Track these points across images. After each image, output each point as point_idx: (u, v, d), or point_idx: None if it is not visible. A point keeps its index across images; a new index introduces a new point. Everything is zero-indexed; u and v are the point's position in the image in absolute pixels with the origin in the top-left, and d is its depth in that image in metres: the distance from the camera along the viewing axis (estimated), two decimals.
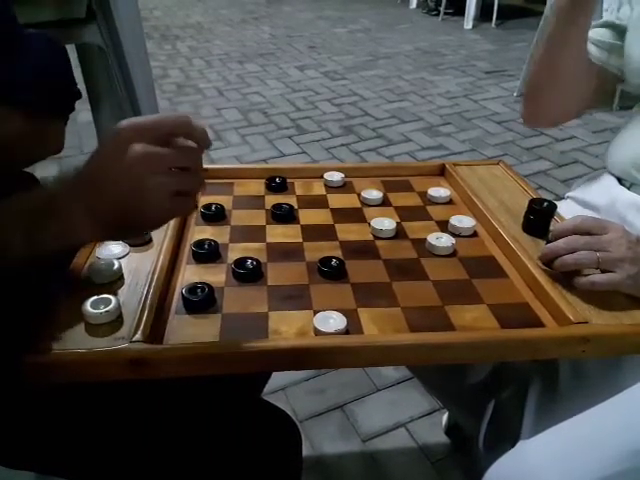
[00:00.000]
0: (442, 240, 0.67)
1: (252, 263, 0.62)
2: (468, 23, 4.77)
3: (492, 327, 0.55)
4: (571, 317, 0.54)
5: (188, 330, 0.54)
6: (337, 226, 0.73)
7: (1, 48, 0.57)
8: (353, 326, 0.54)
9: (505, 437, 0.63)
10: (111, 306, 0.53)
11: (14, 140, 0.59)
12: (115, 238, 0.57)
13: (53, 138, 0.65)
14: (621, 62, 0.77)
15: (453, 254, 0.67)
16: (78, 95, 0.67)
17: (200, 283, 0.58)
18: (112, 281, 0.58)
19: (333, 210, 0.77)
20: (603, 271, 0.56)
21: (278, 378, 1.29)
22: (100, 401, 0.56)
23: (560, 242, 0.58)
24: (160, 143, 0.44)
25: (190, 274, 0.62)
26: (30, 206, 0.45)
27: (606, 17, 0.80)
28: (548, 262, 0.60)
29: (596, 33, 0.80)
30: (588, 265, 0.56)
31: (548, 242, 0.61)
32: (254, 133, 2.70)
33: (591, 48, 0.80)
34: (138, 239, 0.65)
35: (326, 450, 1.15)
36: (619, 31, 0.78)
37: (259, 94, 3.22)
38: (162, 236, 0.66)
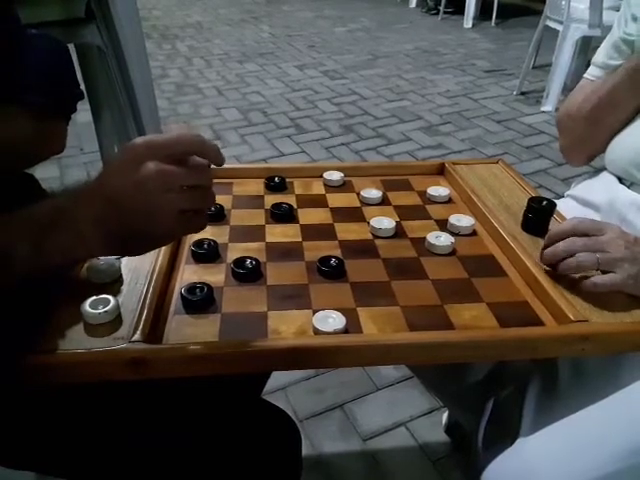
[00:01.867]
0: (441, 239, 0.67)
1: (251, 263, 0.62)
2: (468, 22, 4.77)
3: (491, 326, 0.55)
4: (571, 316, 0.54)
5: (187, 330, 0.54)
6: (336, 225, 0.73)
7: (5, 49, 0.57)
8: (352, 325, 0.54)
9: (504, 435, 0.63)
10: (110, 306, 0.53)
11: (18, 140, 0.59)
12: (121, 253, 0.54)
13: (55, 138, 0.65)
14: None
15: (452, 253, 0.67)
16: (80, 96, 0.67)
17: (199, 283, 0.58)
18: (111, 281, 0.58)
19: (332, 209, 0.77)
20: (603, 272, 0.56)
21: (278, 378, 1.30)
22: (99, 401, 0.56)
23: (559, 245, 0.58)
24: (173, 161, 0.44)
25: (189, 274, 0.62)
26: (38, 218, 0.45)
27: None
28: (549, 265, 0.60)
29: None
30: (589, 267, 0.56)
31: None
32: (254, 133, 2.70)
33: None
34: None
35: (326, 449, 1.15)
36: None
37: (259, 93, 3.22)
38: None
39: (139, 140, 0.44)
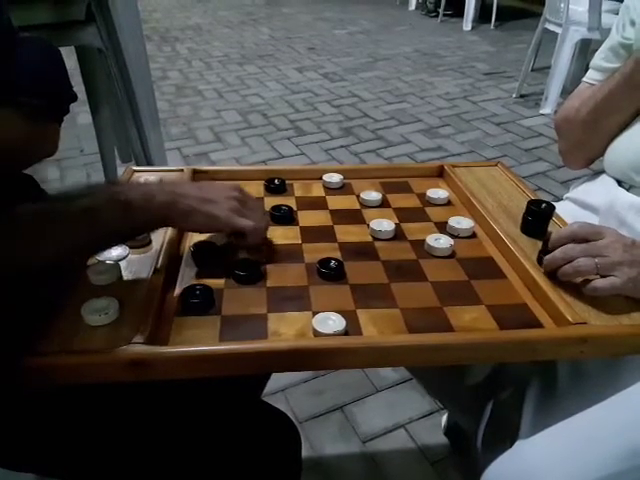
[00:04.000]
0: (441, 241, 0.68)
1: (252, 264, 0.62)
2: (467, 24, 4.78)
3: (491, 328, 0.56)
4: (569, 318, 0.54)
5: (187, 332, 0.54)
6: (336, 227, 0.73)
7: None
8: (352, 327, 0.54)
9: (504, 437, 0.63)
10: (111, 308, 0.53)
11: (10, 142, 0.59)
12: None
13: (48, 140, 0.66)
14: None
15: (452, 255, 0.67)
16: (73, 98, 0.67)
17: (199, 285, 0.58)
18: (112, 283, 0.58)
19: (332, 211, 0.77)
20: (603, 276, 0.56)
21: (278, 379, 1.30)
22: (100, 402, 0.56)
23: (557, 252, 0.58)
24: None
25: (189, 276, 0.63)
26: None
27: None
28: (550, 273, 0.60)
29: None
30: (588, 272, 0.56)
31: (544, 244, 0.61)
32: (253, 135, 2.70)
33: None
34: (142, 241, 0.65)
35: (326, 451, 1.15)
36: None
37: (258, 96, 3.22)
38: (161, 238, 0.66)
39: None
